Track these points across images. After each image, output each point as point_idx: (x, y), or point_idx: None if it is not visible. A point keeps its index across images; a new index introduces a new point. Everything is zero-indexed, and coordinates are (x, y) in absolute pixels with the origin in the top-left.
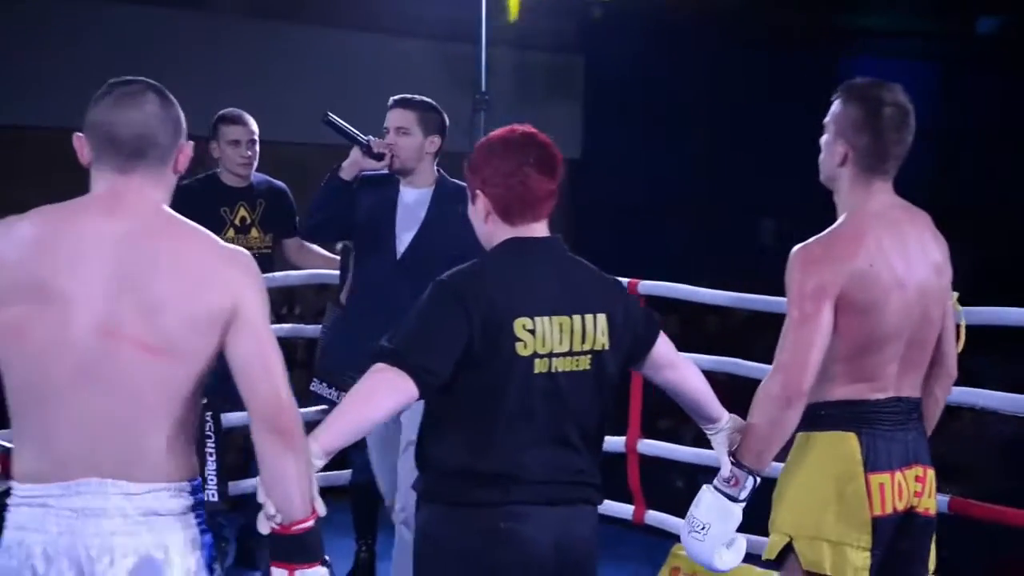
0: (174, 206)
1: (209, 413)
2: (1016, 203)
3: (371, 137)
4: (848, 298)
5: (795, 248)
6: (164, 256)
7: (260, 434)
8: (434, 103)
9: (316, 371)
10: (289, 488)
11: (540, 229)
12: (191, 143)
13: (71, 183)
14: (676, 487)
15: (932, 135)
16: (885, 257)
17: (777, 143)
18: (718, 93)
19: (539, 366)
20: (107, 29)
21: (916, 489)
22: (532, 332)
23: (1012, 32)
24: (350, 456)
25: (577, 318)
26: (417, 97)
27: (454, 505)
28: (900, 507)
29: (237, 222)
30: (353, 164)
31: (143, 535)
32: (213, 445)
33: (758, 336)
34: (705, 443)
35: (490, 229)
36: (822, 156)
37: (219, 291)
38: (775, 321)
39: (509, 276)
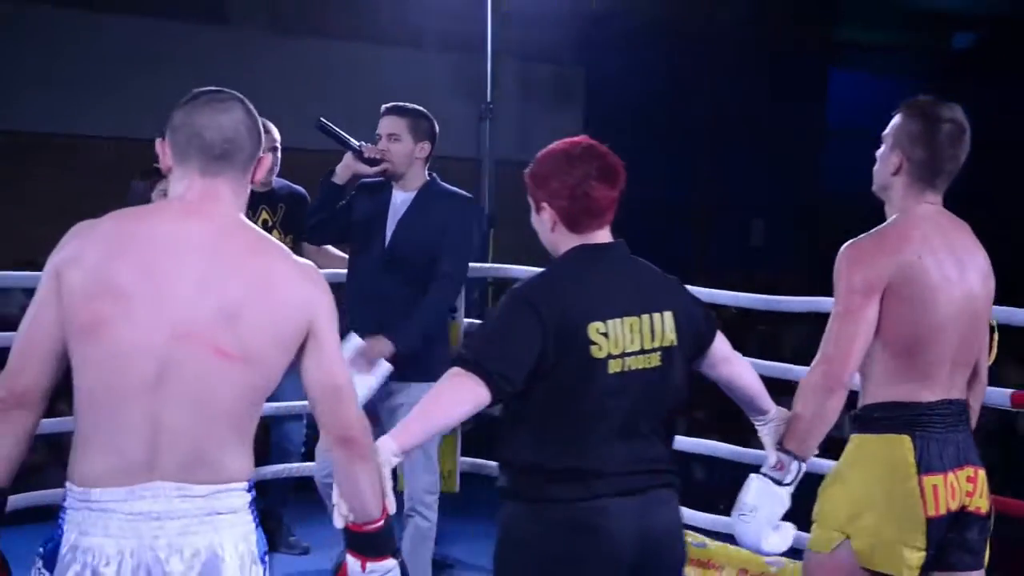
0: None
1: None
2: (993, 209)
3: (363, 143)
4: (895, 290)
5: (845, 245)
6: (244, 265)
7: (338, 448)
8: (424, 111)
9: None
10: (362, 494)
11: (604, 235)
12: (268, 155)
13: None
14: (696, 479)
15: None
16: (934, 254)
17: (769, 148)
18: (712, 102)
19: (613, 366)
20: (124, 40)
21: (968, 489)
22: (605, 335)
23: (985, 47)
24: None
25: (646, 317)
26: (408, 105)
27: (536, 502)
28: (953, 507)
29: (259, 224)
30: (345, 168)
31: (206, 534)
32: None
33: (750, 331)
34: (715, 435)
35: (556, 238)
36: (877, 166)
37: (297, 307)
38: (765, 317)
39: (580, 282)
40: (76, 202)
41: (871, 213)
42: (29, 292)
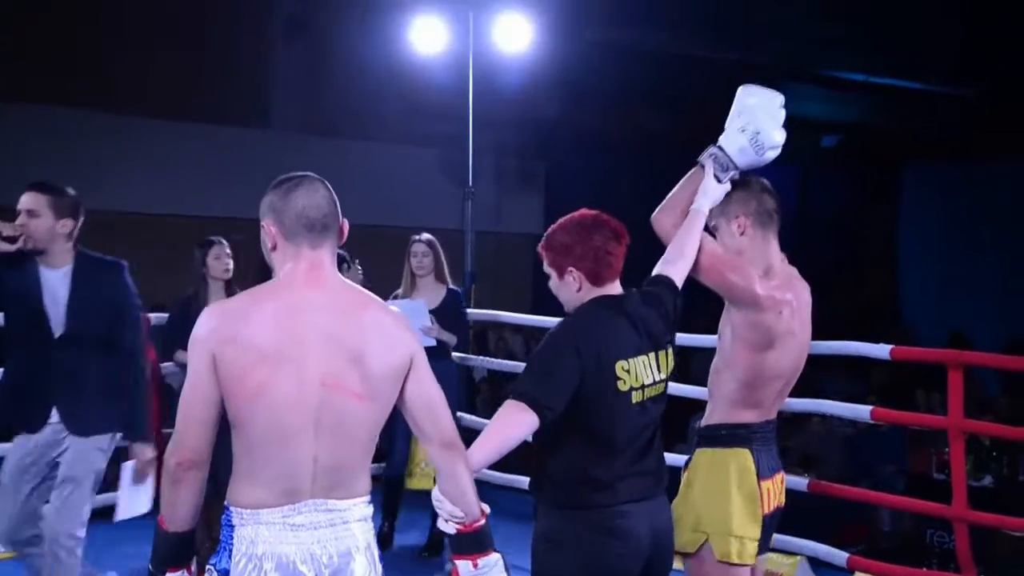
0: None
1: None
2: (851, 266)
3: None
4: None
5: None
6: (360, 319)
7: (442, 453)
8: (67, 189)
9: None
10: (467, 494)
11: (617, 287)
12: (346, 221)
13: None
14: None
15: (793, 218)
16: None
17: None
18: (655, 197)
19: (635, 397)
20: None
21: (780, 490)
22: (628, 371)
23: (847, 146)
24: (386, 453)
25: (652, 355)
26: (50, 182)
27: (573, 508)
28: (775, 505)
29: None
30: None
31: (346, 538)
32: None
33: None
34: None
35: (581, 295)
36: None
37: (401, 348)
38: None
39: (606, 327)
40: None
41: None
42: None
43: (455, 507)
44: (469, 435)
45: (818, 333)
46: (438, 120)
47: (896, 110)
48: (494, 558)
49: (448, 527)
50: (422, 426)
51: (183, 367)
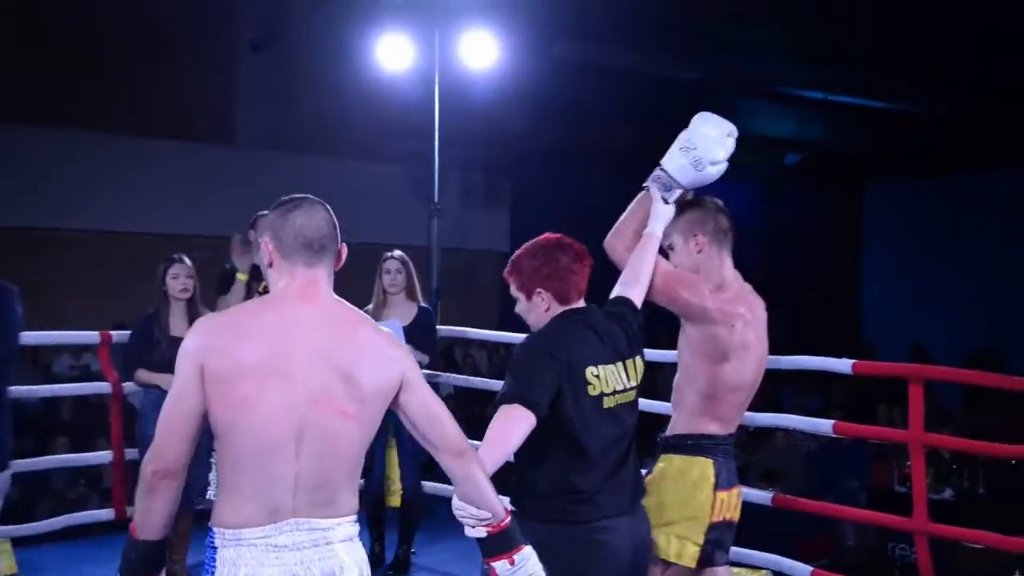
0: (228, 279)
1: None
2: (815, 282)
3: None
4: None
5: None
6: (352, 337)
7: (453, 461)
8: None
9: None
10: (488, 493)
11: (582, 301)
12: (344, 246)
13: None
14: None
15: (758, 233)
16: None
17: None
18: (618, 209)
19: (607, 402)
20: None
21: (735, 504)
22: (598, 377)
23: (810, 164)
24: (366, 470)
25: (620, 364)
26: None
27: (556, 522)
28: (727, 517)
29: (260, 291)
30: None
31: (332, 558)
32: (216, 456)
33: None
34: None
35: (551, 314)
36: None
37: (393, 367)
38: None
39: (575, 336)
40: None
41: None
42: None
43: (480, 510)
44: None
45: (782, 348)
46: (404, 137)
47: (858, 128)
48: (527, 551)
49: (478, 532)
50: (430, 438)
51: (145, 386)
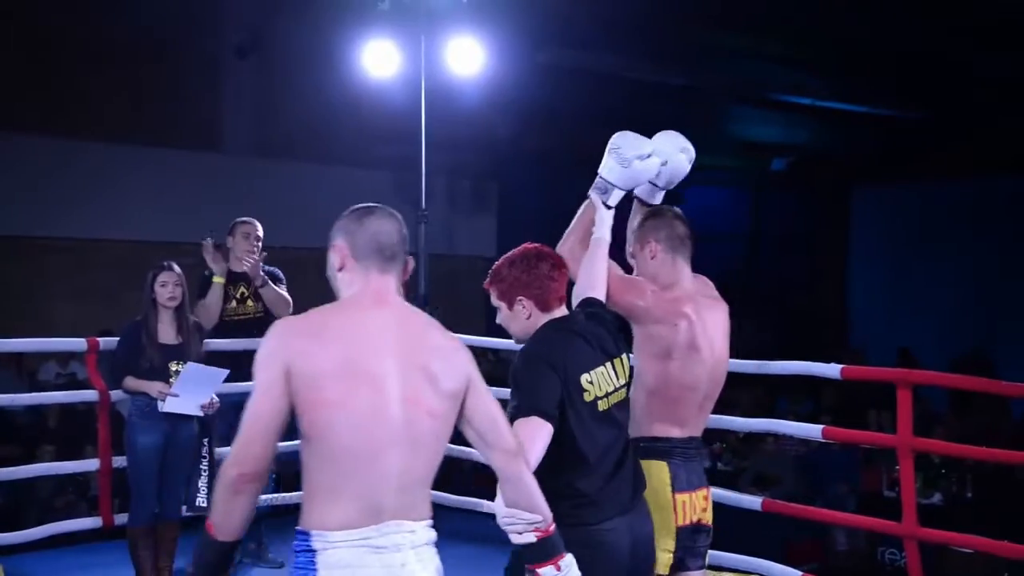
0: (206, 284)
1: (206, 439)
2: (802, 286)
3: None
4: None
5: None
6: (426, 340)
7: (506, 460)
8: None
9: None
10: (537, 496)
11: (563, 309)
12: (411, 258)
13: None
14: None
15: (745, 237)
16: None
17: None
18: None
19: (601, 405)
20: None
21: (703, 506)
22: (592, 383)
23: (797, 168)
24: None
25: (609, 364)
26: None
27: (560, 526)
28: (694, 520)
29: (237, 296)
30: None
31: (424, 560)
32: (207, 463)
33: None
34: None
35: (534, 322)
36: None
37: (461, 369)
38: None
39: (565, 344)
40: None
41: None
42: None
43: (531, 515)
44: None
45: (770, 352)
46: (391, 143)
47: (845, 133)
48: (570, 558)
49: (527, 537)
50: (487, 438)
51: (132, 394)
